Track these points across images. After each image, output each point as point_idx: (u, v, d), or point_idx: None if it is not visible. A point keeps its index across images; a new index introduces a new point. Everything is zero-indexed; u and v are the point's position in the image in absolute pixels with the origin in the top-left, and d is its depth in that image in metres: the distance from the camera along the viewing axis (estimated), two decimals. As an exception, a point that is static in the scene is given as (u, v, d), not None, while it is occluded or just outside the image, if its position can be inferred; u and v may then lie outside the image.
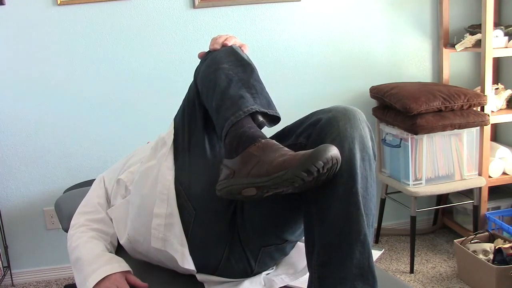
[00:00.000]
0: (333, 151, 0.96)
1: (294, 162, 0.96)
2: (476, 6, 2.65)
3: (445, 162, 2.38)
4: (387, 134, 2.50)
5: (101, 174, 1.60)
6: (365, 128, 1.08)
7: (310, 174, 0.96)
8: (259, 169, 1.00)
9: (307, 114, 1.16)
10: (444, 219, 2.83)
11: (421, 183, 2.36)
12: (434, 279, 2.34)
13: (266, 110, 1.13)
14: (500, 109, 2.56)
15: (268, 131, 1.16)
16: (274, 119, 1.17)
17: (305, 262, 1.14)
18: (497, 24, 2.51)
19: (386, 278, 1.31)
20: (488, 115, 2.36)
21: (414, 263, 2.43)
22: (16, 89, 2.39)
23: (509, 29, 2.43)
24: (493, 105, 2.50)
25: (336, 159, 0.98)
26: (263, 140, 1.05)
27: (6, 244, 2.50)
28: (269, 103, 1.16)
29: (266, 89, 1.20)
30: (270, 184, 0.99)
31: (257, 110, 1.11)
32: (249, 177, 1.01)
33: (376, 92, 2.52)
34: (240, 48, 1.28)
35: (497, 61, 2.71)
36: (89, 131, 2.48)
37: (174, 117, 1.32)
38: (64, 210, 1.74)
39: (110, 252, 1.36)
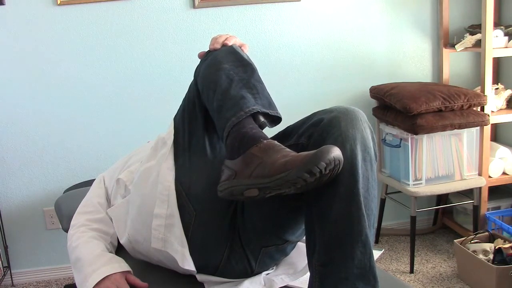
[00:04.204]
0: (336, 152, 0.96)
1: (296, 163, 0.96)
2: (476, 6, 2.65)
3: (445, 162, 2.38)
4: (387, 134, 2.50)
5: (101, 173, 1.59)
6: (366, 128, 1.08)
7: (312, 175, 0.96)
8: (261, 170, 1.00)
9: (308, 115, 1.16)
10: (444, 219, 2.83)
11: (421, 183, 2.36)
12: (434, 279, 2.34)
13: (267, 111, 1.13)
14: (500, 109, 2.56)
15: (269, 132, 1.16)
16: (275, 120, 1.17)
17: (305, 262, 1.14)
18: (497, 24, 2.51)
19: (386, 278, 1.31)
20: (488, 115, 2.36)
21: (414, 263, 2.43)
22: (16, 89, 2.38)
23: (509, 29, 2.43)
24: (493, 105, 2.50)
25: (339, 160, 0.98)
26: (265, 141, 1.05)
27: (6, 244, 2.50)
28: (270, 104, 1.16)
29: (267, 89, 1.20)
30: (272, 185, 0.99)
31: (259, 110, 1.11)
32: (251, 178, 1.01)
33: (376, 92, 2.52)
34: (241, 48, 1.28)
35: (497, 61, 2.70)
36: (89, 131, 2.48)
37: (174, 117, 1.32)
38: (64, 210, 1.74)
39: (110, 252, 1.35)
